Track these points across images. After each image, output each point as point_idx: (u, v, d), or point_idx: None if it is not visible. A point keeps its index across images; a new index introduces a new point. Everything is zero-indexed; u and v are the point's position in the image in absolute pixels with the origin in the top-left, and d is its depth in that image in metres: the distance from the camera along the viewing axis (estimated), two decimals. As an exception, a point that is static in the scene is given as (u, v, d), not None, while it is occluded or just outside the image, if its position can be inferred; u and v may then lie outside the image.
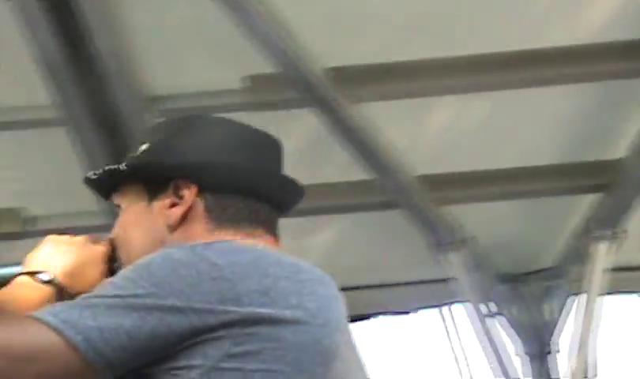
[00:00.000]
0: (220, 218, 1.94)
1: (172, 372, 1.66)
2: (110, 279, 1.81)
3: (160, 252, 1.77)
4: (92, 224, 4.31)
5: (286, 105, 4.20)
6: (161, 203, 1.96)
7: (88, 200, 3.20)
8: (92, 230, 3.44)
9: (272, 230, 1.99)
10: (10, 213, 3.80)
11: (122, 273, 1.77)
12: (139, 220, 2.00)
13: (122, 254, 1.99)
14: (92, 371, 1.64)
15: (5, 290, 1.90)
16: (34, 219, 3.80)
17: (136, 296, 1.67)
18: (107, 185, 2.07)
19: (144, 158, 2.03)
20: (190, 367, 1.64)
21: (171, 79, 3.96)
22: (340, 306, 1.88)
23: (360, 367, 1.95)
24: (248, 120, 2.19)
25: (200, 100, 4.10)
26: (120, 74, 3.51)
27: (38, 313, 1.66)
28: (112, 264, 2.01)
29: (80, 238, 2.03)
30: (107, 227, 2.24)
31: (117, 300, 1.67)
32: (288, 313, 1.71)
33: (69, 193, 3.58)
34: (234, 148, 2.03)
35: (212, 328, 1.65)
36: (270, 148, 2.09)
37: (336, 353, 1.77)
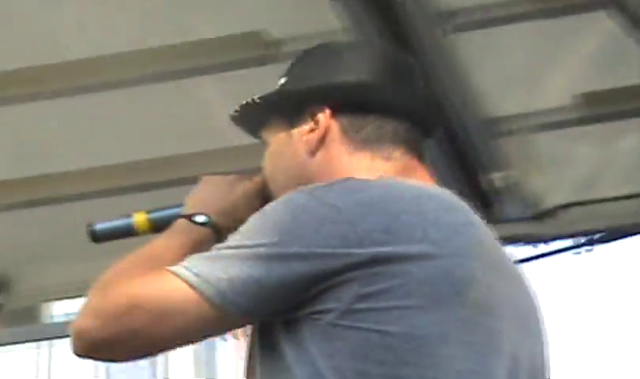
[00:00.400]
0: (357, 138, 1.98)
1: (312, 316, 1.71)
2: (241, 228, 1.83)
3: (282, 197, 1.82)
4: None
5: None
6: (300, 130, 2.02)
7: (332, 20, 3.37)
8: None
9: (413, 149, 2.00)
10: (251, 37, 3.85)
11: (249, 221, 1.81)
12: (282, 151, 2.06)
13: (272, 188, 2.05)
14: (228, 321, 1.76)
15: (164, 234, 2.00)
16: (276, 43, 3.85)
17: (261, 245, 1.74)
18: (251, 122, 2.17)
19: (279, 89, 2.12)
20: (327, 310, 1.69)
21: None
22: (475, 231, 1.87)
23: (517, 289, 1.96)
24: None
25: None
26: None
27: (175, 268, 1.75)
28: (264, 199, 2.03)
29: (232, 177, 2.12)
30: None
31: (245, 251, 1.75)
32: (412, 249, 1.73)
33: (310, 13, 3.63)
34: (366, 68, 2.07)
35: (338, 272, 1.69)
36: (406, 67, 2.14)
37: (471, 280, 1.77)
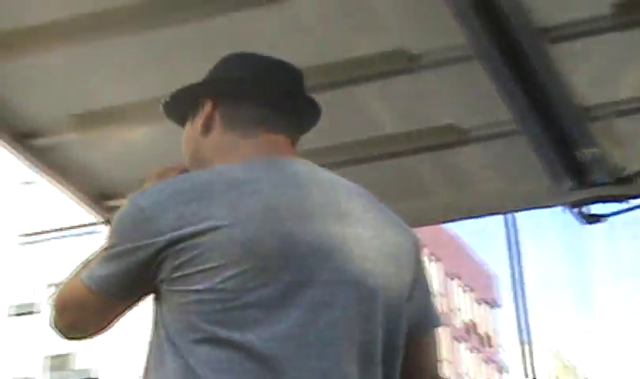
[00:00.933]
0: (230, 123, 2.24)
1: (160, 286, 2.01)
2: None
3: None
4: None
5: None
6: (195, 119, 2.29)
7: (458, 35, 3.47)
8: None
9: (276, 129, 2.22)
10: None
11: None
12: (187, 137, 2.34)
13: (189, 169, 2.29)
14: (112, 305, 2.13)
15: None
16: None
17: (111, 247, 2.08)
18: (175, 116, 2.41)
19: (179, 89, 2.35)
20: (160, 281, 2.00)
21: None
22: (264, 197, 2.02)
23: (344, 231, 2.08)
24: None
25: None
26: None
27: (81, 274, 2.12)
28: None
29: (164, 168, 2.34)
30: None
31: (106, 253, 2.09)
32: (200, 226, 1.96)
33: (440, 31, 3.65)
34: (239, 69, 2.33)
35: (155, 255, 1.99)
36: (274, 68, 2.33)
37: (256, 239, 1.95)
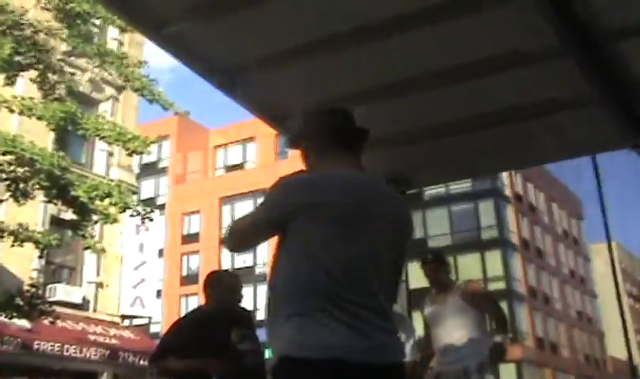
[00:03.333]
0: (320, 154, 2.69)
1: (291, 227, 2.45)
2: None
3: None
4: None
5: None
6: (304, 149, 2.78)
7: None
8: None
9: (344, 154, 2.65)
10: None
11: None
12: (301, 157, 2.76)
13: None
14: (263, 235, 2.63)
15: None
16: None
17: (264, 203, 2.56)
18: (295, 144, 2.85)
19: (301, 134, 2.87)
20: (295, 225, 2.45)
21: None
22: (343, 187, 2.51)
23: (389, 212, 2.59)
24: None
25: None
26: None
27: (249, 215, 2.67)
28: None
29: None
30: None
31: (262, 206, 2.57)
32: (313, 201, 2.43)
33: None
34: (324, 121, 2.78)
35: (291, 213, 2.44)
36: (342, 113, 2.78)
37: (340, 210, 2.43)
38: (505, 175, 45.07)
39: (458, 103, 4.21)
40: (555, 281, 51.54)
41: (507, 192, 47.17)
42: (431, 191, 43.28)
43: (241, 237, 2.68)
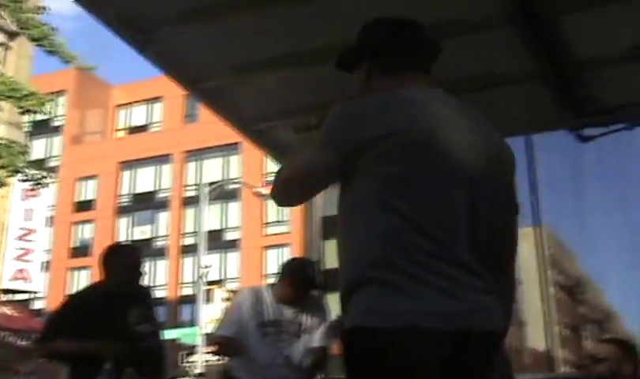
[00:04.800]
0: (385, 71, 2.29)
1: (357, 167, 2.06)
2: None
3: None
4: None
5: None
6: (361, 70, 2.35)
7: None
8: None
9: (415, 71, 2.28)
10: None
11: None
12: (357, 80, 2.37)
13: None
14: (319, 183, 2.24)
15: None
16: None
17: (320, 141, 2.14)
18: (345, 67, 2.43)
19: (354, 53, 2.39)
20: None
21: None
22: (409, 109, 2.09)
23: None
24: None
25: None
26: None
27: (301, 159, 2.23)
28: None
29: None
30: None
31: (317, 146, 2.14)
32: (378, 132, 2.04)
33: None
34: (387, 31, 2.36)
35: (352, 155, 2.06)
36: (411, 25, 2.36)
37: (426, 145, 2.04)
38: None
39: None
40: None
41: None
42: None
43: (295, 187, 2.26)
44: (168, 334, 31.09)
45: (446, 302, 1.92)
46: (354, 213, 2.09)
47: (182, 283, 40.08)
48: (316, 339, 4.55)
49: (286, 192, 2.30)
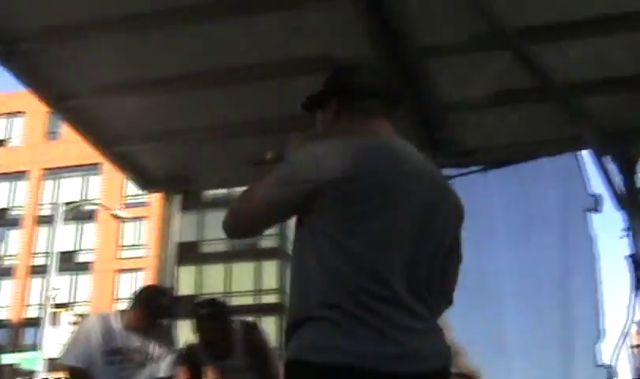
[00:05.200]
0: (350, 115, 2.32)
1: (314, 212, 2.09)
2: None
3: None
4: None
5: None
6: (326, 111, 2.37)
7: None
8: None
9: (379, 116, 2.30)
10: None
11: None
12: (321, 121, 2.39)
13: None
14: (276, 217, 2.23)
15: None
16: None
17: (282, 176, 2.16)
18: (310, 107, 2.44)
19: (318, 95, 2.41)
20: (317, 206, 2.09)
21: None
22: (375, 160, 2.14)
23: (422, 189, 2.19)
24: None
25: None
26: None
27: (258, 192, 2.17)
28: None
29: (299, 139, 2.33)
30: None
31: (280, 179, 2.15)
32: (336, 176, 2.06)
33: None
34: (353, 76, 2.42)
35: (314, 194, 2.07)
36: (373, 71, 2.52)
37: (380, 191, 2.09)
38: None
39: (256, 103, 4.23)
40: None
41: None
42: (214, 191, 43.18)
43: (250, 220, 2.25)
44: (7, 358, 29.69)
45: (380, 344, 1.99)
46: (306, 250, 2.13)
47: (28, 305, 38.37)
48: (162, 368, 4.45)
49: (241, 224, 2.29)
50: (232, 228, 2.27)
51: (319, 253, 2.09)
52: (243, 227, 2.32)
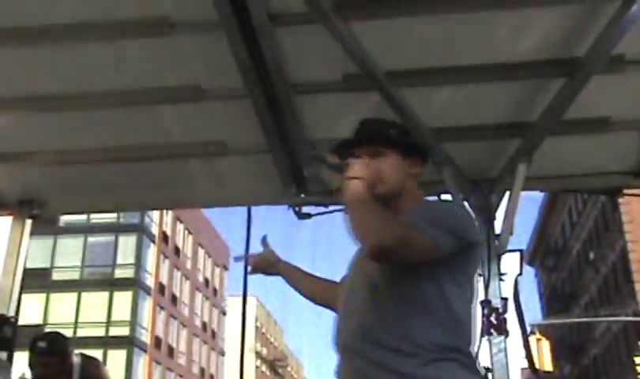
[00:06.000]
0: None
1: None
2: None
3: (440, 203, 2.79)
4: None
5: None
6: (411, 165, 2.49)
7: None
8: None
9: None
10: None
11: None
12: (399, 169, 2.46)
13: (383, 184, 2.42)
14: (434, 256, 2.22)
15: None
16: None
17: (452, 228, 2.26)
18: (376, 140, 2.49)
19: (401, 138, 2.54)
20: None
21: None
22: None
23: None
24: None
25: None
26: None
27: (427, 232, 2.20)
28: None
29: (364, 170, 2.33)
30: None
31: (450, 228, 2.26)
32: (478, 239, 2.46)
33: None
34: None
35: (461, 249, 2.32)
36: None
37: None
38: (157, 212, 45.21)
39: (115, 130, 4.12)
40: (184, 332, 52.53)
41: (154, 230, 47.31)
42: (69, 217, 41.81)
43: (413, 253, 2.23)
44: None
45: None
46: (430, 296, 2.28)
47: None
48: None
49: (406, 253, 2.23)
50: (394, 254, 2.20)
51: (447, 302, 2.27)
52: (404, 256, 2.24)
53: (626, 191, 4.67)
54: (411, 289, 2.27)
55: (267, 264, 3.10)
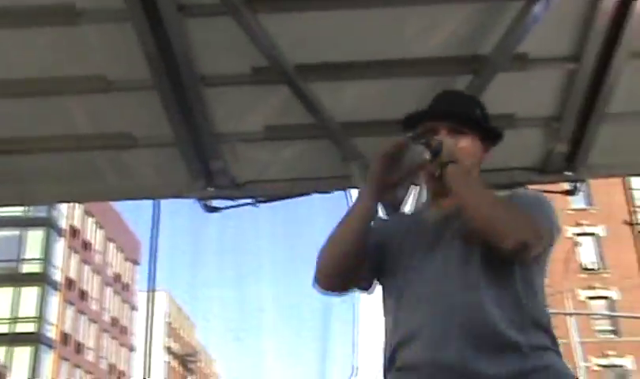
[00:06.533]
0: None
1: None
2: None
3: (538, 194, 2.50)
4: None
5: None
6: (483, 146, 2.40)
7: None
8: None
9: None
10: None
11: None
12: (475, 150, 2.36)
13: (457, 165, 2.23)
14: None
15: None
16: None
17: (554, 216, 2.30)
18: (460, 117, 2.38)
19: (484, 120, 2.45)
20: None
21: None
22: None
23: None
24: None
25: None
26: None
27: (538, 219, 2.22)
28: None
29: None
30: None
31: (553, 219, 2.30)
32: None
33: None
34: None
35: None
36: None
37: None
38: (65, 205, 44.14)
39: (20, 120, 4.00)
40: (93, 328, 51.51)
41: (63, 224, 46.16)
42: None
43: (522, 234, 2.13)
44: None
45: None
46: (539, 285, 2.29)
47: None
48: None
49: (537, 246, 2.21)
50: (532, 247, 2.17)
51: (534, 291, 2.24)
52: (536, 249, 2.20)
53: (529, 187, 4.79)
54: (514, 272, 2.23)
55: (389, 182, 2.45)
